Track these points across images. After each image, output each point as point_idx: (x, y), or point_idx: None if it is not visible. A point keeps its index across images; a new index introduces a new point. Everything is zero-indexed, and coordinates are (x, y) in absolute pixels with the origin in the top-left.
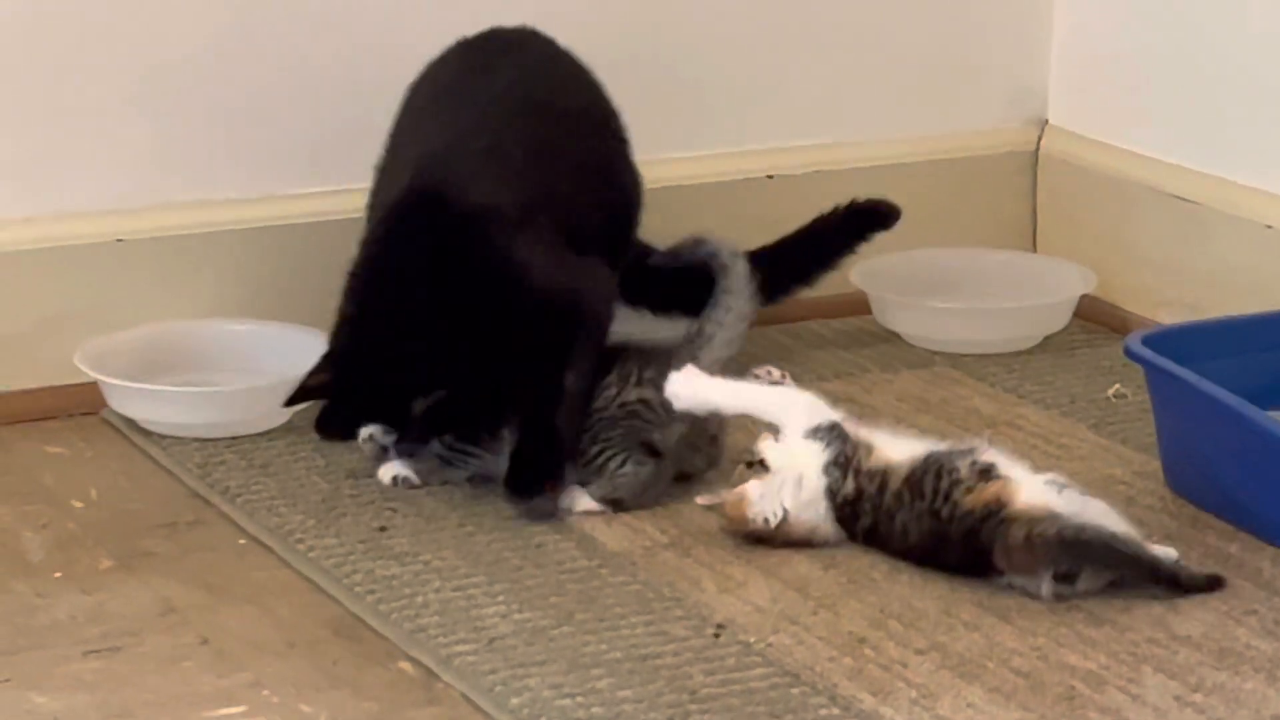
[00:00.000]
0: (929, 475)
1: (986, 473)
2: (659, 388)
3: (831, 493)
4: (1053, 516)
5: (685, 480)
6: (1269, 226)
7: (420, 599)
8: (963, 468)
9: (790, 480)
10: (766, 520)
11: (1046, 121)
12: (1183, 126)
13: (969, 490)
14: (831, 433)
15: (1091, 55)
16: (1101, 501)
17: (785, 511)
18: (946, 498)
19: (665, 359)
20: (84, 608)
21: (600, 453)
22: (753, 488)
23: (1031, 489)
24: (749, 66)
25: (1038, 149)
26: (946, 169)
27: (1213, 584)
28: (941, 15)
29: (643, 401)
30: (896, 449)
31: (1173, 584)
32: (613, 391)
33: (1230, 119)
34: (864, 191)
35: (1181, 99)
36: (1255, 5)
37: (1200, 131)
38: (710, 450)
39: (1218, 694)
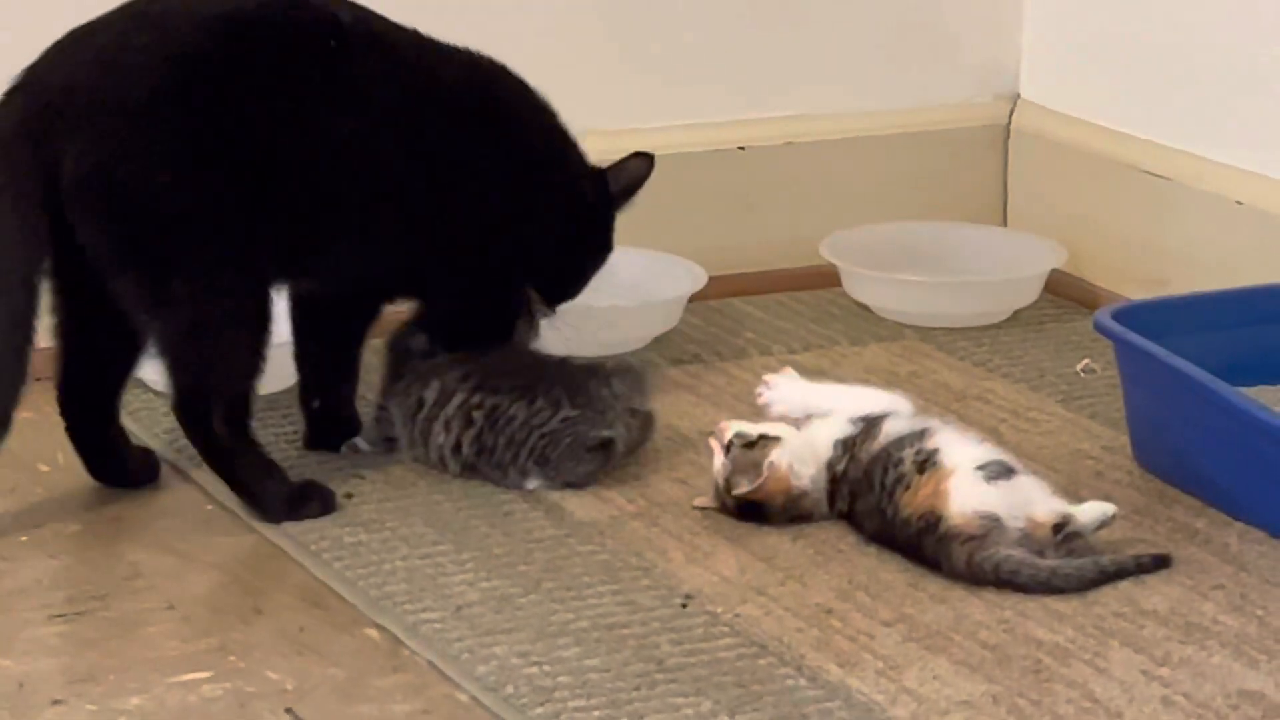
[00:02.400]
0: (878, 466)
1: (925, 463)
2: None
3: (830, 468)
4: (989, 536)
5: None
6: (1239, 202)
7: (387, 566)
8: (907, 459)
9: (805, 450)
10: (810, 481)
11: (1019, 96)
12: (1154, 102)
13: (908, 488)
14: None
15: (1063, 30)
16: (1032, 477)
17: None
18: (890, 495)
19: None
20: (50, 572)
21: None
22: (781, 459)
23: (963, 489)
24: (721, 38)
25: (1009, 123)
26: (918, 142)
27: (1159, 563)
28: None
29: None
30: (884, 433)
31: (1119, 576)
32: (547, 413)
33: (1202, 94)
34: (834, 163)
35: (1153, 74)
36: None
37: (1172, 107)
38: (644, 427)
39: (1184, 668)
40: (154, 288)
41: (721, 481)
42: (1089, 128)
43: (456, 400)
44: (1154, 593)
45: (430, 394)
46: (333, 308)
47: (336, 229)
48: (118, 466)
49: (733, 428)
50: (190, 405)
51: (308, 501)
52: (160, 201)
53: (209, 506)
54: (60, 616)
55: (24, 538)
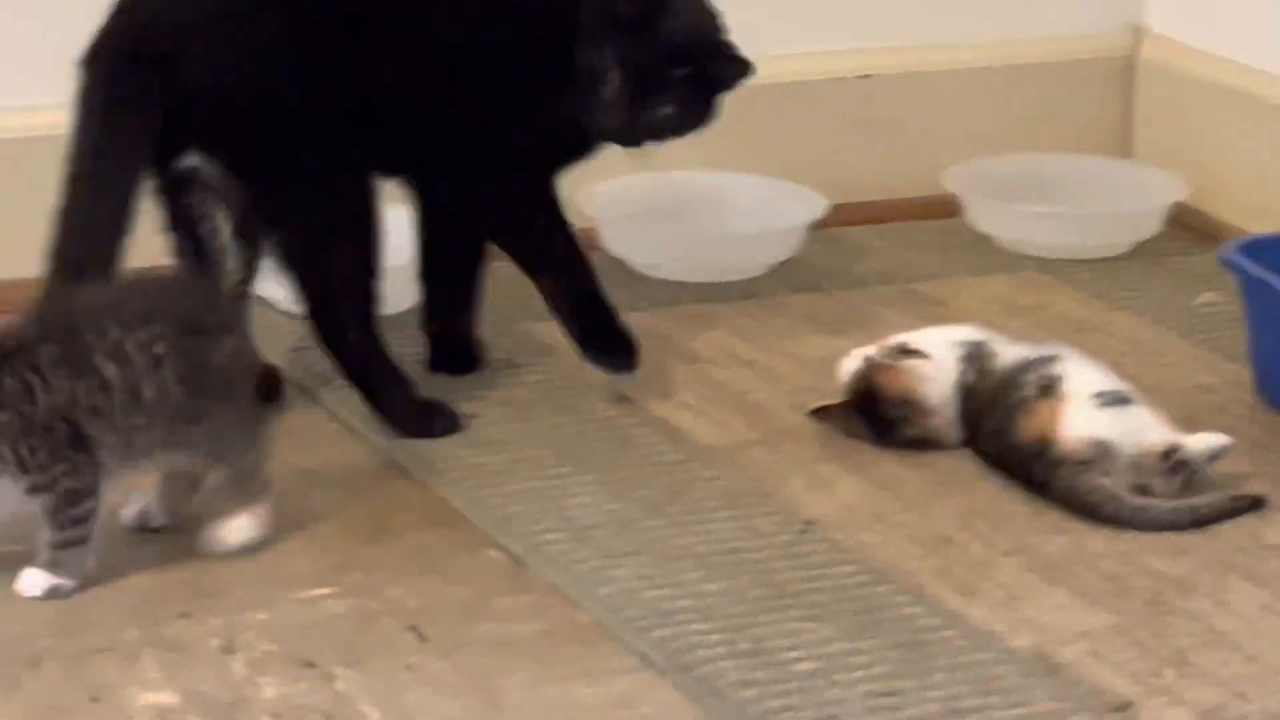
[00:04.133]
0: (1004, 389)
1: (1049, 389)
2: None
3: (962, 386)
4: (1096, 463)
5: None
6: None
7: (510, 488)
8: (1031, 382)
9: (942, 374)
10: (939, 402)
11: (1145, 28)
12: None
13: (1023, 409)
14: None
15: None
16: (1148, 408)
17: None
18: (1010, 416)
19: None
20: None
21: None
22: (919, 365)
23: (1077, 415)
24: None
25: (1135, 55)
26: (1041, 73)
27: (1255, 504)
28: None
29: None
30: (1008, 355)
31: (1212, 521)
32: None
33: None
34: (957, 94)
35: None
36: None
37: None
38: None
39: None
40: (268, 201)
41: (859, 371)
42: (1216, 61)
43: None
44: (1277, 528)
45: None
46: (454, 228)
47: (430, 128)
48: (467, 351)
49: (910, 338)
50: (320, 314)
51: (434, 419)
52: (267, 113)
53: (333, 425)
54: (191, 531)
55: None
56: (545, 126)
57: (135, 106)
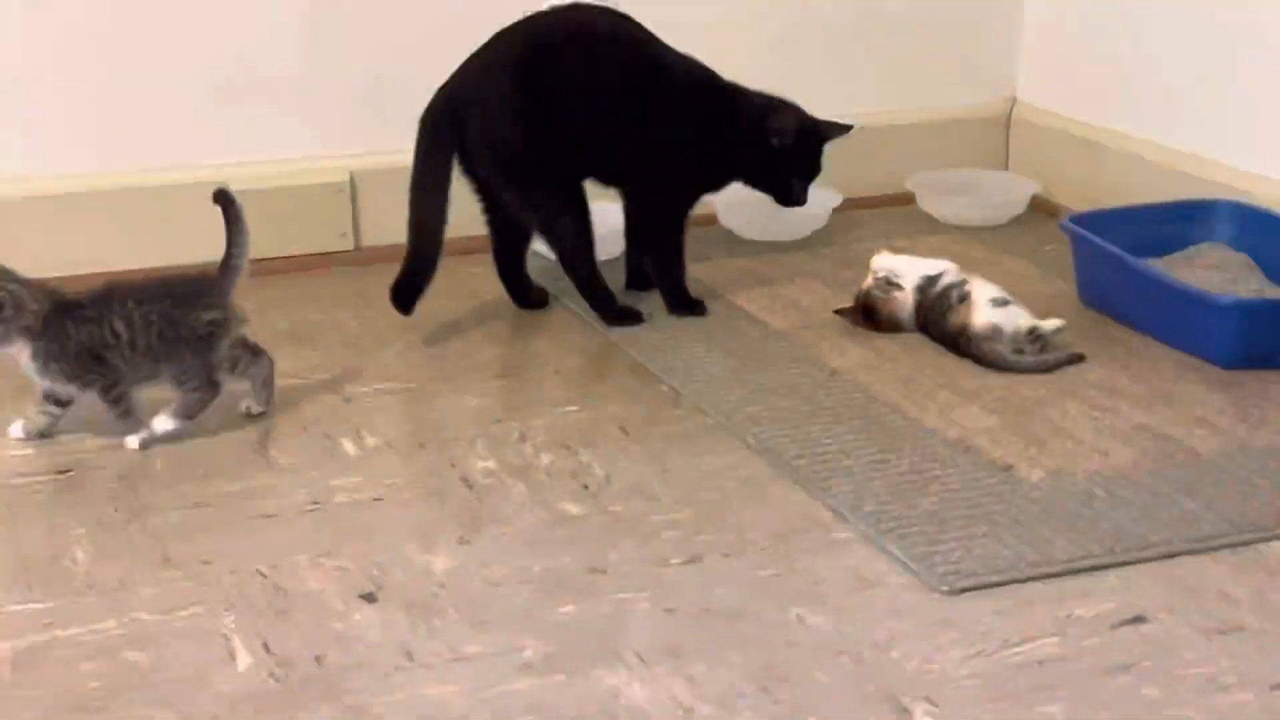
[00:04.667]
0: (941, 298)
1: (964, 298)
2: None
3: (918, 302)
4: (993, 338)
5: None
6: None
7: (670, 353)
8: (954, 295)
9: (908, 286)
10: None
11: (1017, 98)
12: (1128, 102)
13: (951, 310)
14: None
15: (1052, 50)
16: (1020, 305)
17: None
18: (943, 315)
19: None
20: (491, 353)
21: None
22: (896, 293)
23: (981, 311)
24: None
25: (1011, 115)
26: (957, 124)
27: (1077, 359)
28: (932, 14)
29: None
30: (941, 283)
31: (1058, 367)
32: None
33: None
34: (907, 135)
35: (1134, 81)
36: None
37: (1149, 110)
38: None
39: (1107, 411)
40: (522, 201)
41: (863, 292)
42: (1061, 117)
43: None
44: (1092, 371)
45: None
46: (637, 212)
47: (613, 161)
48: (526, 296)
49: (885, 266)
50: (564, 259)
51: (629, 316)
52: (516, 151)
53: (574, 319)
54: (499, 377)
55: (478, 335)
56: (697, 181)
57: (441, 148)
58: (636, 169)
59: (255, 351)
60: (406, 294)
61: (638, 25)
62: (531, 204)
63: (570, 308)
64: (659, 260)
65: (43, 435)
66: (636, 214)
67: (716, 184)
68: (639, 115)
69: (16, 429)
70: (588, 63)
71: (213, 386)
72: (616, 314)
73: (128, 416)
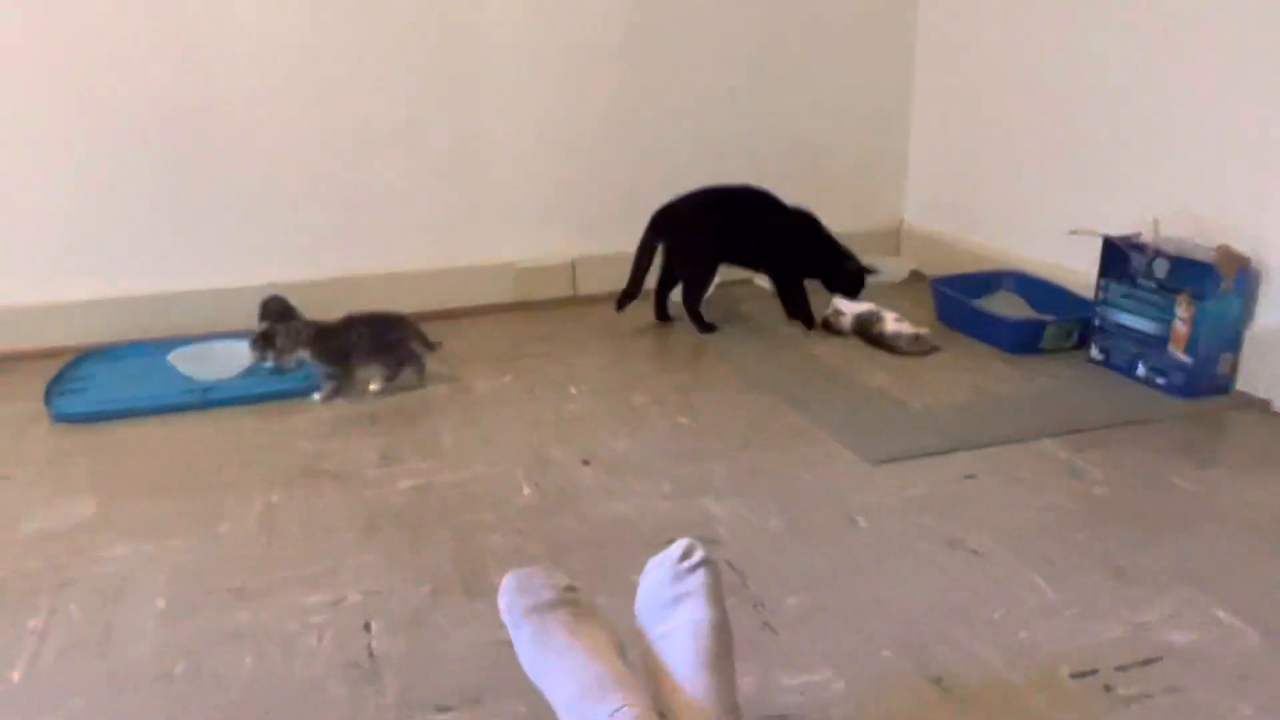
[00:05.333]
0: (868, 318)
1: (880, 318)
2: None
3: (854, 320)
4: (895, 335)
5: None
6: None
7: (739, 348)
8: (874, 317)
9: (850, 314)
10: (849, 325)
11: (904, 220)
12: (965, 221)
13: (873, 324)
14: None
15: (925, 191)
16: (908, 321)
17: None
18: (870, 327)
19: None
20: (645, 346)
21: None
22: (842, 315)
23: (889, 324)
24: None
25: (900, 230)
26: (864, 237)
27: (936, 348)
28: (834, 159)
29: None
30: (865, 309)
31: (930, 353)
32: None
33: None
34: None
35: (968, 211)
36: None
37: (978, 223)
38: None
39: (912, 382)
40: (686, 274)
41: (824, 317)
42: (932, 232)
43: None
44: (943, 355)
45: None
46: (783, 285)
47: (752, 258)
48: (665, 317)
49: (835, 305)
50: (687, 300)
51: (711, 329)
52: (693, 252)
53: (687, 333)
54: (648, 358)
55: (639, 337)
56: (801, 273)
57: (650, 241)
58: (768, 263)
59: (415, 356)
60: (622, 304)
61: (762, 190)
62: (689, 277)
63: (682, 328)
64: (790, 306)
65: (334, 395)
66: (777, 284)
67: (806, 275)
68: (767, 236)
69: (315, 396)
70: (732, 207)
71: (402, 366)
72: (705, 327)
73: (331, 379)
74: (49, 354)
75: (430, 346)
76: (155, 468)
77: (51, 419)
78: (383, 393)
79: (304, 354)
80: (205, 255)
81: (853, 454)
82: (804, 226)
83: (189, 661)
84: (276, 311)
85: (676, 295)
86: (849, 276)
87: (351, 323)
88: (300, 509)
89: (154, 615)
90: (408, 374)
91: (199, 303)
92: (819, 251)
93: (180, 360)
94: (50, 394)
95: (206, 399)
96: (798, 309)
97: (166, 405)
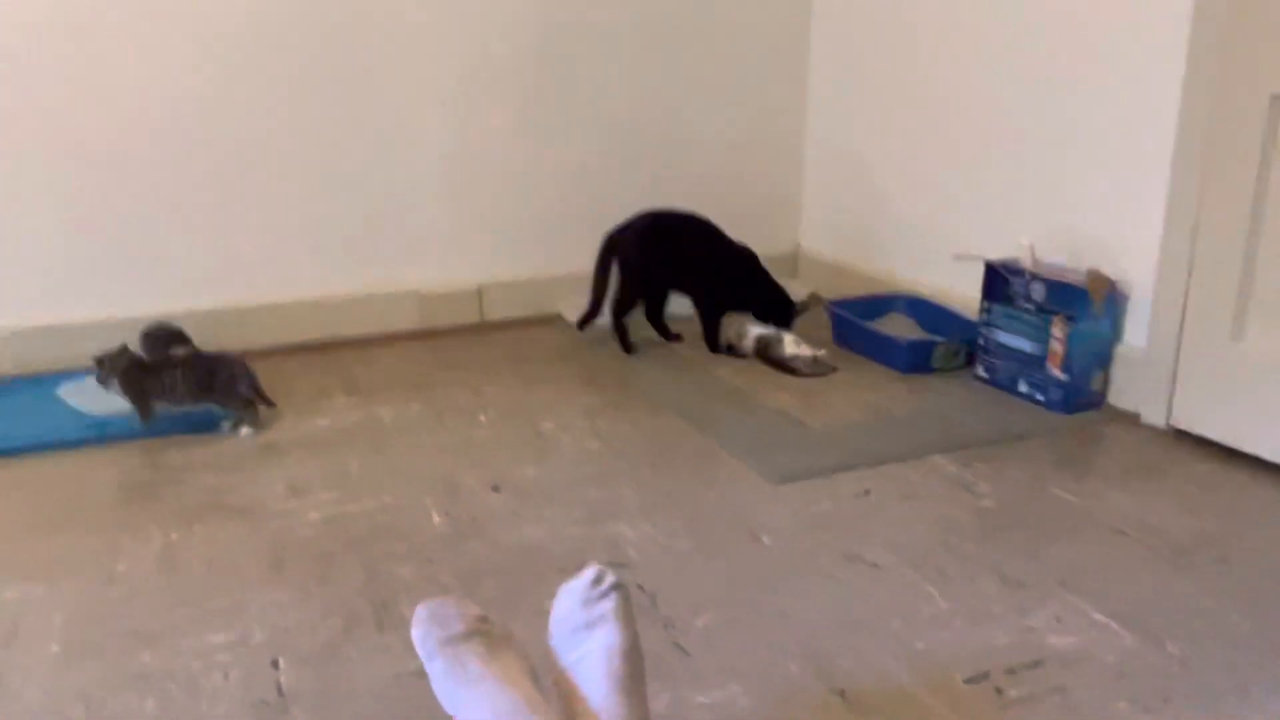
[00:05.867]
0: (768, 340)
1: (780, 340)
2: None
3: (755, 343)
4: (794, 357)
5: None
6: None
7: (634, 373)
8: (772, 337)
9: (750, 340)
10: (750, 347)
11: (800, 244)
12: (858, 246)
13: (773, 346)
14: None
15: (818, 217)
16: (806, 344)
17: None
18: (769, 349)
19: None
20: (583, 380)
21: None
22: (748, 341)
23: (787, 344)
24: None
25: (796, 253)
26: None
27: (834, 369)
28: (741, 196)
29: None
30: (766, 332)
31: (827, 373)
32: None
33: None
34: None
35: (861, 237)
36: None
37: (871, 248)
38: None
39: (813, 399)
40: (622, 288)
41: (736, 341)
42: (829, 258)
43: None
44: (841, 376)
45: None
46: (701, 305)
47: (684, 282)
48: (666, 335)
49: (753, 330)
50: (616, 313)
51: (631, 348)
52: (635, 272)
53: (595, 358)
54: (569, 380)
55: (560, 357)
56: (732, 302)
57: (605, 261)
58: (701, 292)
59: (244, 399)
60: (584, 325)
61: (708, 221)
62: (630, 295)
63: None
64: (710, 334)
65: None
66: (703, 309)
67: (739, 308)
68: (707, 267)
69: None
70: (679, 237)
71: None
72: (716, 346)
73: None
74: None
75: (264, 398)
76: (47, 506)
77: None
78: (256, 428)
79: (115, 383)
80: (95, 285)
81: (756, 473)
82: (744, 260)
83: (87, 707)
84: (163, 339)
85: (672, 309)
86: (780, 310)
87: (178, 363)
88: (202, 545)
89: (49, 660)
90: (246, 416)
91: (88, 334)
92: (757, 285)
93: (71, 394)
94: None
95: (103, 434)
96: (711, 336)
97: (60, 441)
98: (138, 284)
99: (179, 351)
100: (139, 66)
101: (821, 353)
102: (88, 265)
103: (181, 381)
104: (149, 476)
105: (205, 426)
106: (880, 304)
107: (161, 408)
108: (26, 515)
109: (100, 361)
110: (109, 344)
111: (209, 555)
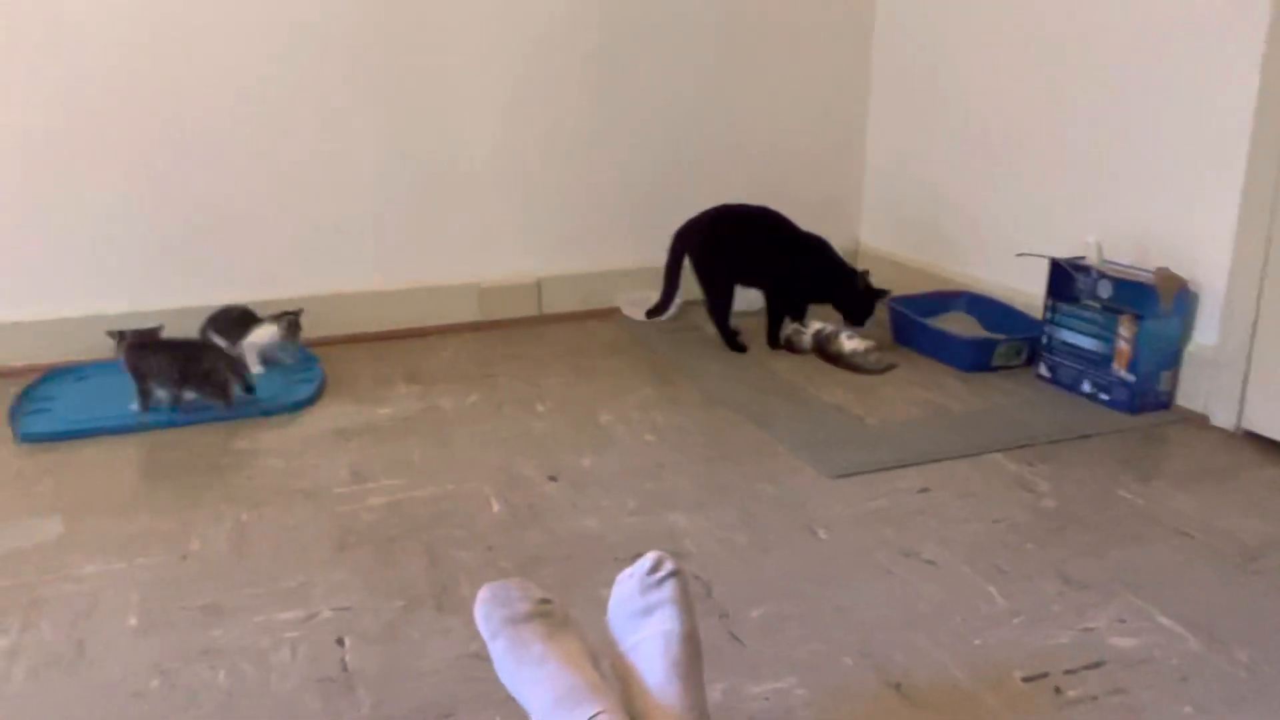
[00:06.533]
0: (826, 337)
1: (833, 337)
2: None
3: (814, 338)
4: (852, 352)
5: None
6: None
7: (691, 361)
8: (829, 333)
9: (809, 335)
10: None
11: (862, 240)
12: (919, 242)
13: (830, 342)
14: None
15: (879, 214)
16: (859, 338)
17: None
18: (827, 344)
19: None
20: (619, 363)
21: None
22: (804, 334)
23: (843, 340)
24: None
25: (857, 248)
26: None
27: (893, 366)
28: (810, 196)
29: None
30: (826, 328)
31: (887, 370)
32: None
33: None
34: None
35: (921, 232)
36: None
37: (932, 244)
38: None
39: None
40: (705, 291)
41: (794, 337)
42: (886, 252)
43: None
44: (899, 373)
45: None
46: (774, 298)
47: (758, 276)
48: (732, 341)
49: (811, 325)
50: (711, 310)
51: (741, 347)
52: (709, 270)
53: (650, 352)
54: (634, 374)
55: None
56: (807, 293)
57: (676, 256)
58: (771, 285)
59: (221, 384)
60: (654, 314)
61: (779, 214)
62: (712, 288)
63: (707, 334)
64: (771, 326)
65: (143, 406)
66: (772, 304)
67: (816, 300)
68: (779, 258)
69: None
70: (749, 228)
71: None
72: (735, 344)
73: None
74: (11, 374)
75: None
76: (123, 487)
77: (16, 439)
78: (349, 415)
79: (122, 361)
80: (168, 274)
81: (812, 468)
82: (816, 249)
83: (163, 678)
84: (231, 320)
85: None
86: (860, 297)
87: (166, 345)
88: (271, 527)
89: (126, 632)
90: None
91: (163, 321)
92: (830, 274)
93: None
94: (14, 414)
95: (174, 418)
96: (774, 330)
97: (135, 425)
98: (209, 275)
99: (142, 331)
100: (211, 62)
101: (871, 343)
102: (161, 256)
103: (169, 366)
104: (220, 460)
105: (275, 411)
106: (941, 301)
107: (162, 394)
108: (106, 495)
109: (114, 336)
110: (178, 333)
111: (277, 536)
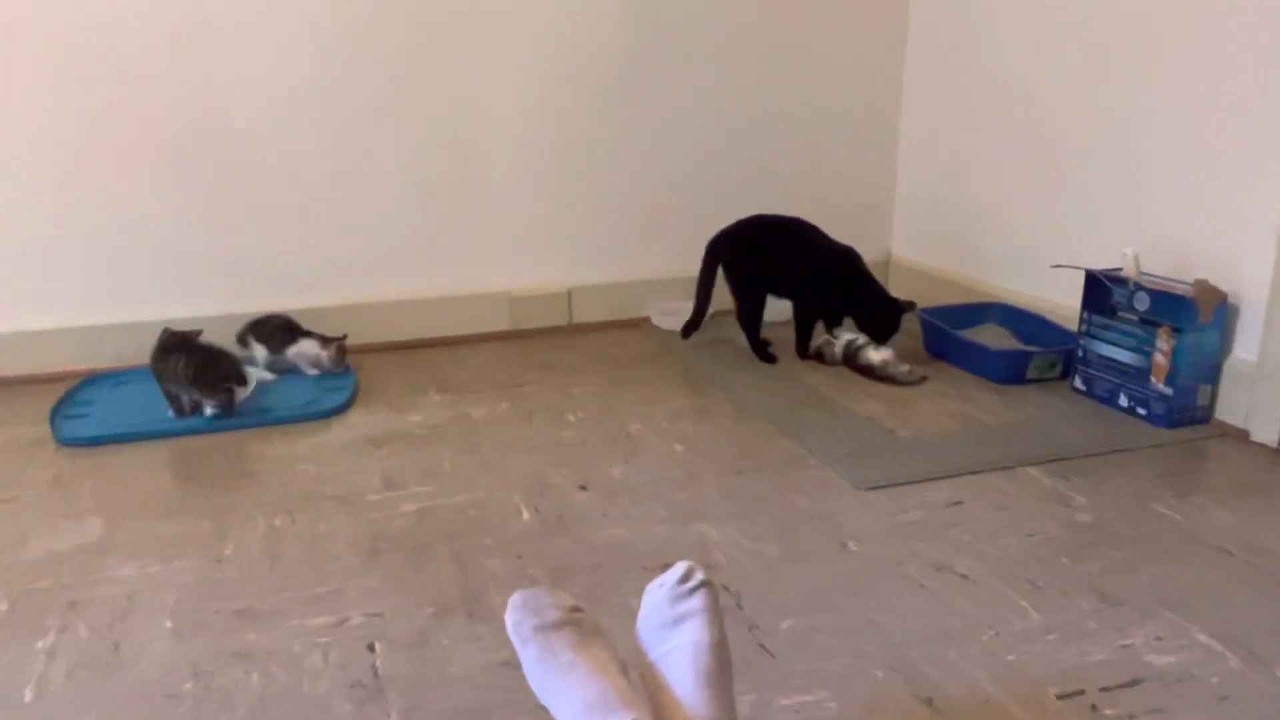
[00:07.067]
0: (854, 348)
1: (865, 347)
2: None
3: (844, 348)
4: (882, 364)
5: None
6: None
7: (718, 371)
8: (860, 344)
9: (839, 346)
10: (839, 353)
11: (893, 252)
12: (951, 254)
13: (860, 353)
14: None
15: (910, 227)
16: (888, 350)
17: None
18: (857, 355)
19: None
20: (654, 373)
21: None
22: (834, 344)
23: (870, 351)
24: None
25: (889, 261)
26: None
27: (925, 379)
28: (840, 206)
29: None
30: (856, 339)
31: (919, 383)
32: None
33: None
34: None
35: (953, 245)
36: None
37: (964, 256)
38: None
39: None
40: (736, 302)
41: (816, 346)
42: (915, 263)
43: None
44: (931, 385)
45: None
46: (800, 311)
47: (786, 286)
48: (762, 352)
49: (842, 336)
50: (740, 318)
51: (771, 358)
52: (738, 273)
53: (680, 362)
54: (666, 383)
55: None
56: (833, 305)
57: (709, 267)
58: (798, 295)
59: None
60: (688, 331)
61: (811, 224)
62: (742, 295)
63: (738, 344)
64: (800, 337)
65: (179, 413)
66: (799, 315)
67: (841, 312)
68: (807, 270)
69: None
70: (780, 239)
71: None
72: (765, 355)
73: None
74: (52, 379)
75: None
76: (160, 491)
77: (56, 443)
78: (381, 423)
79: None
80: (204, 281)
81: (844, 480)
82: (840, 261)
83: (197, 680)
84: (273, 328)
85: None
86: (883, 313)
87: (188, 349)
88: (304, 532)
89: (162, 635)
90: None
91: (200, 328)
92: (857, 287)
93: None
94: (55, 418)
95: (210, 425)
96: (803, 341)
97: (173, 430)
98: (242, 283)
99: (188, 336)
100: (246, 71)
101: (892, 356)
102: (193, 265)
103: (181, 369)
104: (254, 466)
105: (308, 417)
106: (974, 313)
107: (184, 398)
108: (142, 499)
109: (164, 335)
110: (220, 338)
111: (309, 542)
